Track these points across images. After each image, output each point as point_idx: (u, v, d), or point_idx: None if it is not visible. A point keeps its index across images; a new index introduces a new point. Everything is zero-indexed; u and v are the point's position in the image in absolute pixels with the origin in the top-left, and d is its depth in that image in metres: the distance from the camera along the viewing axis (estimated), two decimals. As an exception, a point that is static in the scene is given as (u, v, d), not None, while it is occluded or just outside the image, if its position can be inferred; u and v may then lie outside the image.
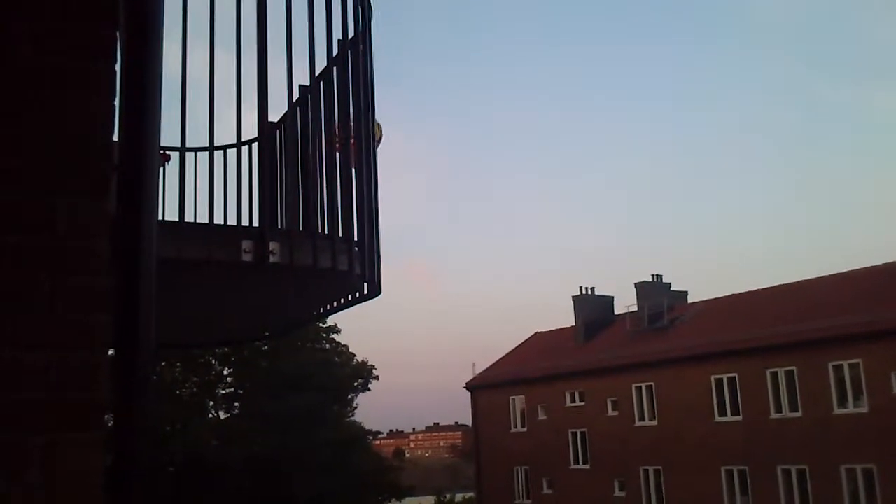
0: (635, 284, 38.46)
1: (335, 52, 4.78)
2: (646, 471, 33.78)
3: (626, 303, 39.45)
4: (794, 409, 28.94)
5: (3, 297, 1.61)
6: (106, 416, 1.75)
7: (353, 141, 4.86)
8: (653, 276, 38.72)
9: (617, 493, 34.79)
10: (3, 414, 1.56)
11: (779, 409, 29.41)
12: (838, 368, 27.74)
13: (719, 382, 31.34)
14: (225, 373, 41.28)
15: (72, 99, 1.80)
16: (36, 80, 1.76)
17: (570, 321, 41.24)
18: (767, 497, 29.14)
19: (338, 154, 4.81)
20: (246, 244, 4.19)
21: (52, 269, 1.67)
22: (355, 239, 4.71)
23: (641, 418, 34.35)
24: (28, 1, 1.78)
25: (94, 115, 1.84)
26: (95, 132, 1.83)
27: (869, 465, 26.36)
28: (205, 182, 4.46)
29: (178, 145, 4.91)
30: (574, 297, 40.76)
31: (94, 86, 1.85)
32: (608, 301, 41.19)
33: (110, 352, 1.84)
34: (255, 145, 5.52)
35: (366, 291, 5.00)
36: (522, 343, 44.94)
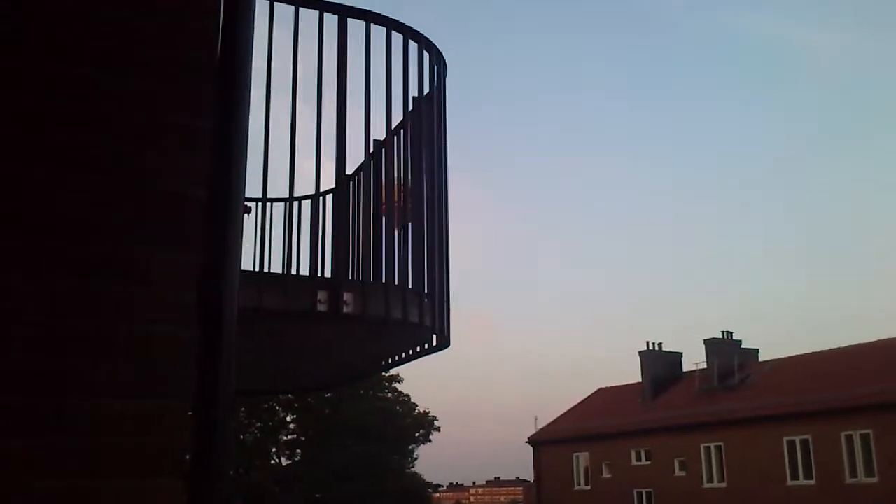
0: (705, 341, 37.67)
1: (411, 106, 4.90)
2: (714, 534, 32.72)
3: (694, 360, 38.66)
4: (870, 474, 27.80)
5: (93, 344, 1.66)
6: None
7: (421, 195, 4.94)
8: (723, 332, 37.91)
9: (683, 556, 33.75)
10: (85, 459, 1.59)
11: (854, 474, 28.29)
12: (918, 433, 26.64)
13: (791, 444, 30.35)
14: (288, 419, 41.54)
15: (169, 154, 1.87)
16: (136, 136, 1.83)
17: (635, 377, 40.55)
18: (843, 567, 27.92)
19: (408, 206, 4.90)
20: (321, 294, 4.27)
21: (139, 319, 1.71)
22: (426, 290, 4.77)
23: (710, 479, 33.37)
24: (128, 60, 1.86)
25: (189, 170, 1.90)
26: (189, 187, 1.89)
27: (953, 537, 25.10)
28: (280, 232, 4.57)
29: (258, 196, 5.08)
30: (641, 353, 40.09)
31: (191, 142, 1.91)
32: (676, 357, 40.39)
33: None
34: (329, 197, 5.65)
35: (435, 343, 5.03)
36: (586, 398, 44.25)
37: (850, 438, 28.51)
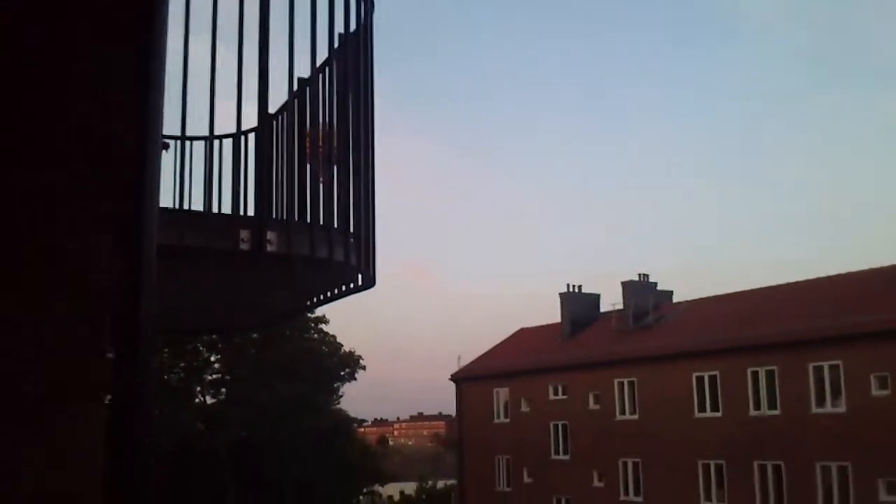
0: (622, 283, 38.67)
1: (336, 44, 4.86)
2: (625, 463, 34.13)
3: (612, 301, 39.72)
4: (773, 407, 29.29)
5: (25, 296, 1.68)
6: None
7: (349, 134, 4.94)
8: (639, 275, 38.95)
9: (596, 483, 35.14)
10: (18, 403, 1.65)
11: (758, 407, 29.76)
12: (818, 369, 28.07)
13: (700, 380, 31.66)
14: (212, 359, 41.28)
15: (96, 104, 1.86)
16: (62, 86, 1.82)
17: (556, 318, 41.45)
18: (743, 491, 29.51)
19: (333, 145, 4.89)
20: (244, 233, 4.27)
21: (61, 266, 1.73)
22: (351, 230, 4.80)
23: (622, 412, 34.65)
24: (60, 30, 1.84)
25: (117, 118, 1.90)
26: (118, 134, 1.89)
27: (844, 462, 26.71)
28: (201, 171, 4.52)
29: (177, 134, 5.00)
30: (561, 294, 40.94)
31: (117, 91, 1.90)
32: (594, 299, 41.39)
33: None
34: (252, 136, 5.60)
35: (360, 282, 5.08)
36: (508, 338, 45.09)
37: (755, 374, 29.88)
